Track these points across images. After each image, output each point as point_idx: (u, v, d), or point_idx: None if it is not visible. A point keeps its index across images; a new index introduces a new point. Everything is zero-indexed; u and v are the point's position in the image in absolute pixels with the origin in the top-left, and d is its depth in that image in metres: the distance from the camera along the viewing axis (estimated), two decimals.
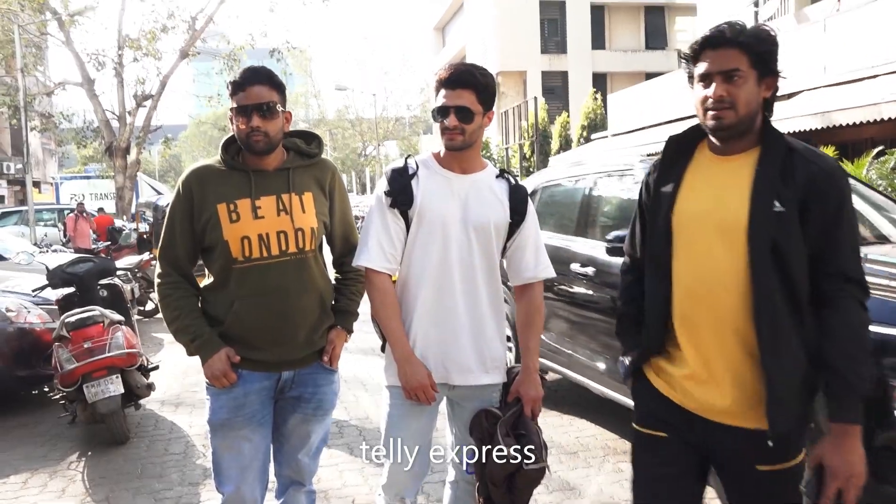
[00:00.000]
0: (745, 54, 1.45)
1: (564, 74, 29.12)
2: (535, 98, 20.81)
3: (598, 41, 29.31)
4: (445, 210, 1.89)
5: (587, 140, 20.40)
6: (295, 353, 1.98)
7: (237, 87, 1.88)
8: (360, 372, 5.38)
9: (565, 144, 21.86)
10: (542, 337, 3.89)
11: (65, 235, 12.49)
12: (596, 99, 21.73)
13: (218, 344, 1.92)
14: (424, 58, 42.12)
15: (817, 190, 1.45)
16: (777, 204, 1.43)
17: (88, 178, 27.04)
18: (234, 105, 1.89)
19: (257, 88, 1.87)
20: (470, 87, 1.84)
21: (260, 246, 1.90)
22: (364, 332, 6.46)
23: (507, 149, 22.28)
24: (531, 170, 20.47)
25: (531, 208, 2.01)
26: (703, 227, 1.50)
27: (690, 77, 1.55)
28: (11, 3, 15.96)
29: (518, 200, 1.96)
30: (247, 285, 1.91)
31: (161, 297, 1.98)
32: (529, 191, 4.40)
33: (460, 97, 1.83)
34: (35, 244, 10.80)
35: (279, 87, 1.93)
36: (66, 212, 15.32)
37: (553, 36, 29.27)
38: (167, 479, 3.44)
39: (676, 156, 1.62)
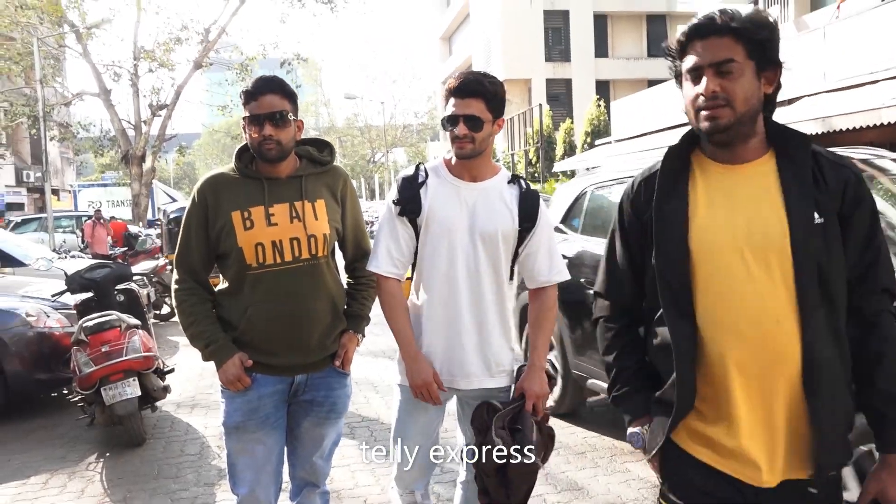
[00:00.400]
0: (740, 43, 1.24)
1: (568, 82, 29.45)
2: (540, 105, 20.97)
3: (601, 49, 29.63)
4: (452, 218, 1.92)
5: (591, 146, 20.54)
6: (308, 357, 2.01)
7: (249, 97, 1.91)
8: (371, 374, 5.43)
9: (569, 151, 22.04)
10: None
11: (83, 242, 12.66)
12: (599, 106, 21.90)
13: (231, 349, 1.95)
14: (431, 66, 42.45)
15: (854, 197, 1.27)
16: (816, 215, 1.25)
17: (105, 185, 27.51)
18: (247, 114, 1.91)
19: (269, 98, 1.90)
20: (479, 95, 1.86)
21: (273, 252, 1.93)
22: (374, 335, 6.53)
23: (512, 155, 22.43)
24: (536, 176, 20.61)
25: (543, 213, 1.99)
26: (734, 249, 1.27)
27: (678, 76, 1.34)
28: (31, 16, 16.27)
29: (528, 207, 1.96)
30: (260, 291, 1.94)
31: (177, 303, 2.02)
32: (576, 193, 4.37)
33: (469, 106, 1.85)
34: (54, 250, 10.93)
35: (291, 96, 1.95)
36: (83, 219, 15.54)
37: (557, 44, 29.64)
38: (183, 479, 3.50)
39: (678, 169, 1.36)
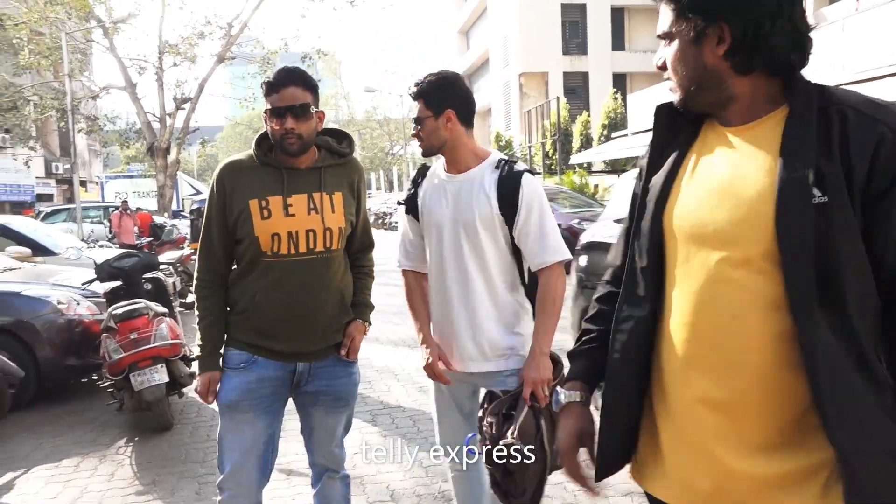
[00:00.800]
0: (671, 5, 1.07)
1: (585, 75, 29.47)
2: (557, 98, 20.98)
3: (618, 42, 29.57)
4: (437, 211, 2.04)
5: (608, 138, 20.53)
6: (310, 345, 2.02)
7: (271, 89, 1.90)
8: (392, 363, 5.46)
9: (586, 143, 22.05)
10: None
11: (110, 232, 12.92)
12: (616, 99, 21.83)
13: (213, 365, 2.02)
14: (449, 60, 42.38)
15: (892, 162, 0.95)
16: (816, 192, 0.95)
17: (131, 177, 28.08)
18: (269, 106, 1.91)
19: (291, 90, 1.89)
20: (418, 97, 1.99)
21: (289, 243, 1.94)
22: (394, 324, 6.60)
23: (529, 147, 22.44)
24: (553, 168, 20.60)
25: (526, 195, 1.96)
26: (701, 228, 1.05)
27: None
28: (59, 11, 16.57)
29: (506, 191, 1.96)
30: (271, 278, 1.96)
31: (194, 293, 2.06)
32: None
33: (414, 109, 2.01)
34: (83, 240, 11.18)
35: (313, 88, 1.95)
36: (110, 209, 15.84)
37: (574, 38, 29.67)
38: (210, 464, 3.54)
39: (673, 132, 1.16)
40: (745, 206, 1.01)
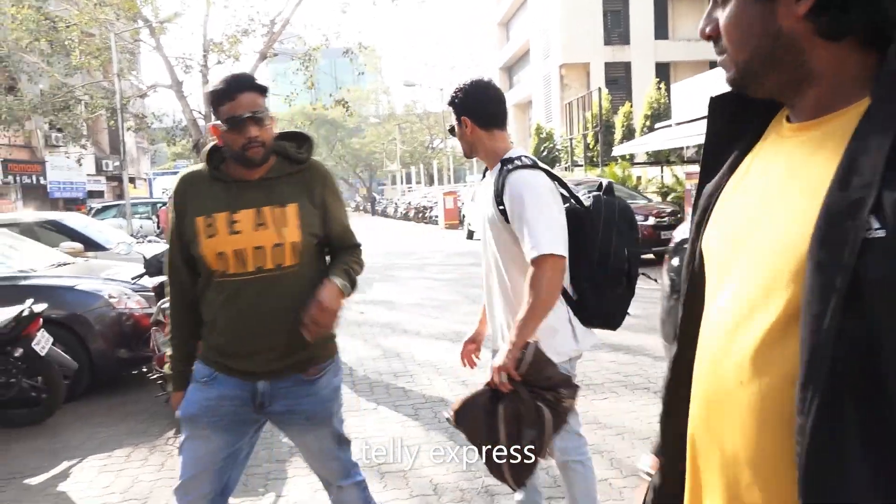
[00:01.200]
0: None
1: (627, 65, 28.89)
2: (599, 89, 20.58)
3: (661, 31, 28.86)
4: (477, 207, 2.22)
5: (650, 129, 20.07)
6: (266, 365, 1.91)
7: (224, 97, 1.77)
8: (433, 357, 5.46)
9: (628, 134, 21.62)
10: None
11: (158, 227, 13.30)
12: (659, 88, 21.30)
13: (182, 385, 2.00)
14: (489, 52, 42.19)
15: None
16: (874, 222, 0.65)
17: (178, 173, 28.79)
18: (224, 116, 1.78)
19: (248, 95, 1.77)
20: (449, 106, 2.16)
21: (236, 262, 1.83)
22: (433, 318, 6.57)
23: (570, 139, 22.12)
24: (595, 160, 20.24)
25: (511, 193, 1.99)
26: (736, 263, 0.80)
27: None
28: (108, 13, 17.10)
29: (498, 191, 2.04)
30: (224, 297, 1.87)
31: (169, 308, 2.04)
32: None
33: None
34: (132, 235, 11.55)
35: (265, 92, 1.83)
36: (158, 205, 16.32)
37: (616, 27, 29.10)
38: (256, 456, 3.54)
39: (736, 128, 0.89)
40: (778, 236, 0.74)
